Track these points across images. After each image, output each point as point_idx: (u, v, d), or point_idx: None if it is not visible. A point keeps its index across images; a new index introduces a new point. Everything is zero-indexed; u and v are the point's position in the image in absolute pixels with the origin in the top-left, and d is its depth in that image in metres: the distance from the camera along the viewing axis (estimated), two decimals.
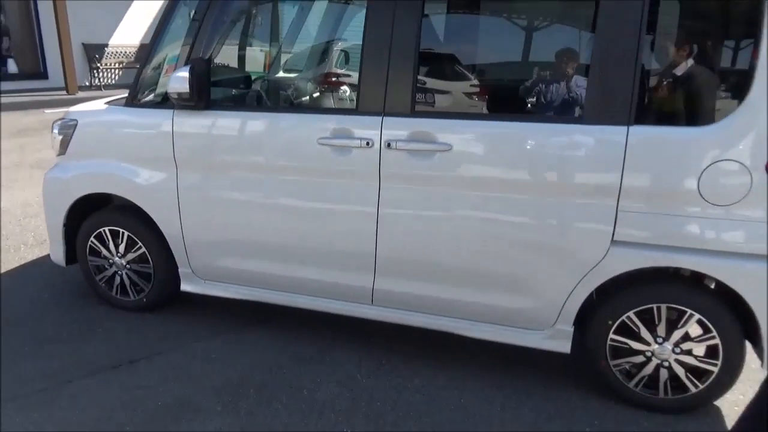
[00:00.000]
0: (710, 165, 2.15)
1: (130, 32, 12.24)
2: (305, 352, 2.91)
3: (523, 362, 2.83)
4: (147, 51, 2.92)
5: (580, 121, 2.30)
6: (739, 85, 2.10)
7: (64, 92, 10.81)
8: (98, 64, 11.84)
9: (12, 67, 11.22)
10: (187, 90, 2.56)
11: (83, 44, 11.61)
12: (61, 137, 3.15)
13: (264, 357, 2.86)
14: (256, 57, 3.01)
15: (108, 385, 2.62)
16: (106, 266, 3.24)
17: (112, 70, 12.16)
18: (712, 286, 2.38)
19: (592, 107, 2.26)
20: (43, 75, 11.42)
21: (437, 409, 2.51)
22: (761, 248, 2.18)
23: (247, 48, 3.14)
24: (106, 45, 12.04)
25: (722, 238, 2.21)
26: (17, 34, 11.38)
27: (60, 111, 3.00)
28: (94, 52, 11.78)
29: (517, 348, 2.64)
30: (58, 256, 3.33)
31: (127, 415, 2.42)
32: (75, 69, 10.80)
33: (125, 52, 12.24)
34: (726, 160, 2.13)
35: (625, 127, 2.20)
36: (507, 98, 2.53)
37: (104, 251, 3.21)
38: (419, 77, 2.58)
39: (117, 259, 3.20)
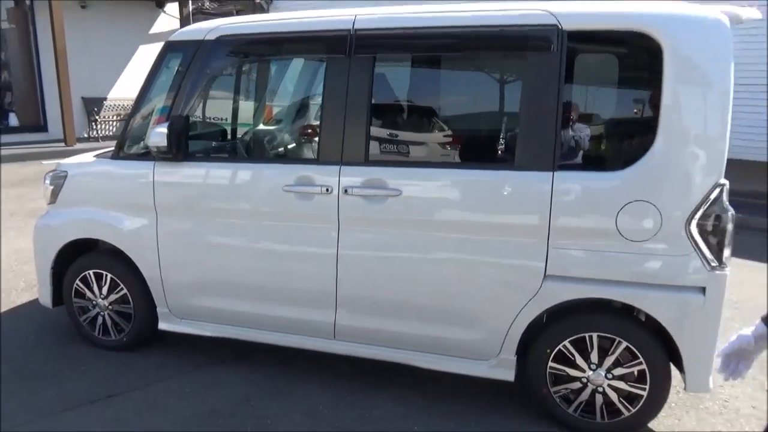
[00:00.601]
0: (625, 205, 2.42)
1: (128, 86, 12.74)
2: (274, 386, 3.10)
3: (475, 391, 3.01)
4: (132, 107, 3.23)
5: (511, 167, 2.57)
6: (645, 134, 2.39)
7: (63, 144, 11.19)
8: (96, 117, 12.28)
9: (13, 120, 11.65)
10: (165, 144, 2.85)
11: (83, 98, 12.07)
12: (52, 187, 3.43)
13: (235, 390, 3.05)
14: (236, 111, 3.31)
15: (85, 418, 2.80)
16: (90, 307, 3.46)
17: (110, 123, 12.59)
18: (642, 317, 2.61)
19: (521, 154, 2.54)
20: (44, 128, 11.84)
21: None
22: (674, 279, 2.42)
23: (231, 102, 3.46)
24: (105, 98, 12.51)
25: (640, 270, 2.46)
26: (20, 89, 11.86)
27: (57, 162, 3.27)
28: (93, 105, 12.24)
29: (470, 378, 2.84)
30: (46, 299, 3.55)
31: None
32: (74, 122, 11.21)
33: (123, 105, 12.70)
34: (638, 200, 2.40)
35: (550, 173, 2.48)
36: (454, 146, 2.82)
37: (88, 293, 3.43)
38: (377, 128, 2.87)
39: (100, 300, 3.42)
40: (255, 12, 13.50)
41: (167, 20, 13.00)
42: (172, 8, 13.17)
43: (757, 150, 8.59)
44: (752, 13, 2.41)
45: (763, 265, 5.23)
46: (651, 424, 2.82)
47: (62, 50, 10.87)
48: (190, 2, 13.23)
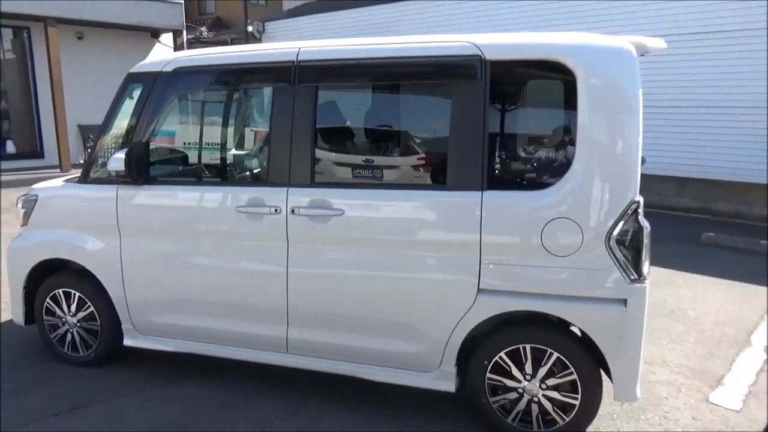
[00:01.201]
0: (549, 222, 2.56)
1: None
2: (230, 399, 3.22)
3: (423, 402, 3.12)
4: (98, 133, 3.42)
5: (444, 187, 2.73)
6: (564, 155, 2.55)
7: (59, 170, 11.42)
8: (92, 144, 12.55)
9: (10, 147, 11.91)
10: (123, 168, 3.02)
11: (78, 125, 12.36)
12: (24, 210, 3.59)
13: (192, 403, 3.17)
14: (193, 136, 3.49)
15: (53, 427, 2.92)
16: (60, 325, 3.60)
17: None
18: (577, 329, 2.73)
19: (452, 175, 2.70)
20: (40, 154, 12.09)
21: None
22: (596, 292, 2.56)
23: (188, 128, 3.64)
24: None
25: (565, 284, 2.59)
26: (17, 117, 12.15)
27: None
28: (89, 132, 12.49)
29: (417, 389, 2.95)
30: (19, 317, 3.70)
31: None
32: (69, 149, 11.46)
33: None
34: (560, 218, 2.55)
35: (479, 192, 2.63)
36: (393, 168, 2.98)
37: (58, 311, 3.57)
38: (322, 151, 3.03)
39: (69, 317, 3.56)
40: (248, 40, 13.86)
41: (162, 50, 13.34)
42: (167, 38, 13.53)
43: None
44: (658, 43, 2.58)
45: (729, 283, 5.34)
46: (589, 430, 2.92)
47: (58, 80, 11.17)
48: (185, 32, 13.58)
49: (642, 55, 2.85)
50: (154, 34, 13.43)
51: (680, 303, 4.77)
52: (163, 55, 3.21)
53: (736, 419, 3.08)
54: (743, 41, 7.56)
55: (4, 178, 10.29)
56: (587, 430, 2.92)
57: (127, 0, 12.24)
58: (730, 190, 7.95)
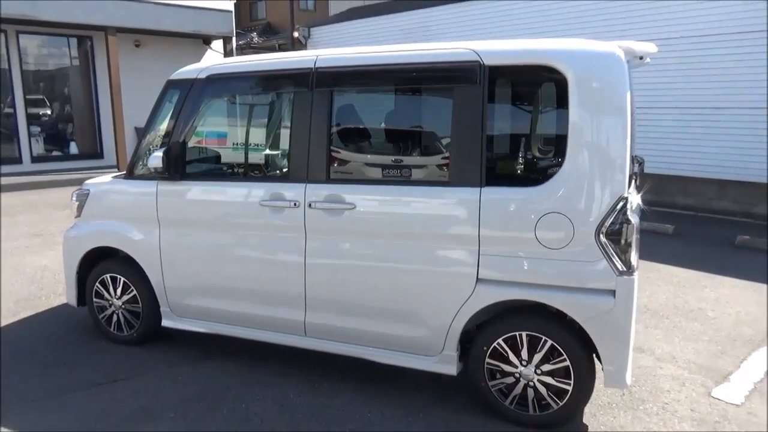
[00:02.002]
0: (542, 216, 2.73)
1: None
2: (254, 377, 3.51)
3: (427, 385, 3.33)
4: (142, 134, 3.79)
5: (447, 184, 2.94)
6: (557, 154, 2.72)
7: (116, 170, 12.19)
8: None
9: (74, 148, 12.80)
10: (161, 165, 3.37)
11: (135, 128, 13.11)
12: (77, 203, 4.02)
13: (219, 380, 3.48)
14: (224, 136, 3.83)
15: (91, 397, 3.29)
16: (107, 306, 3.99)
17: None
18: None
19: (453, 173, 2.91)
20: (100, 155, 12.93)
21: (346, 421, 3.04)
22: (587, 283, 2.71)
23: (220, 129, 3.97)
24: None
25: (558, 275, 2.76)
26: (80, 120, 13.03)
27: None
28: None
29: (423, 373, 3.16)
30: (72, 299, 4.12)
31: (100, 419, 3.07)
32: (126, 149, 12.21)
33: None
34: (553, 212, 2.72)
35: (478, 188, 2.83)
36: (401, 166, 3.21)
37: (105, 294, 3.97)
38: (336, 150, 3.29)
39: (115, 300, 3.95)
40: (294, 46, 14.35)
41: (213, 56, 13.99)
42: (218, 44, 14.18)
43: None
44: (648, 47, 2.71)
45: (757, 286, 5.30)
46: (586, 420, 3.07)
47: (117, 85, 11.93)
48: (234, 39, 14.19)
49: (642, 59, 3.00)
50: (206, 40, 14.11)
51: (701, 304, 4.79)
52: (196, 64, 3.54)
53: (735, 413, 3.15)
54: None
55: (66, 177, 11.07)
56: (585, 417, 3.08)
57: (182, 9, 12.90)
58: None
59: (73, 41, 12.83)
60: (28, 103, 12.09)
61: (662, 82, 8.52)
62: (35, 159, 12.15)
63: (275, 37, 20.87)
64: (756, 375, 3.56)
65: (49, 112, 12.94)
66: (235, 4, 14.08)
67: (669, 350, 3.91)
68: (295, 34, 14.18)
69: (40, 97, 12.82)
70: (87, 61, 12.83)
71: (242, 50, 19.36)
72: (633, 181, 3.39)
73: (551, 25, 9.59)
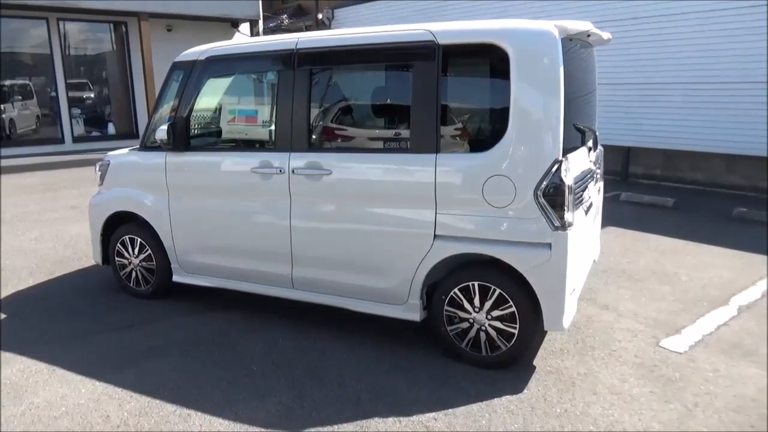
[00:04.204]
0: (488, 179, 3.08)
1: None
2: (247, 325, 3.99)
3: (401, 333, 3.74)
4: (152, 110, 4.27)
5: (408, 151, 3.31)
6: (501, 122, 3.05)
7: None
8: None
9: (111, 129, 13.58)
10: (166, 138, 3.84)
11: None
12: (100, 173, 4.55)
13: (219, 327, 3.97)
14: (221, 111, 4.26)
15: (110, 338, 3.83)
16: (126, 264, 4.53)
17: None
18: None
19: (413, 141, 3.27)
20: (135, 135, 13.64)
21: (325, 360, 3.49)
22: (527, 237, 3.05)
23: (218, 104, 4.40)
24: None
25: (503, 231, 3.11)
26: (117, 102, 13.79)
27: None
28: None
29: (397, 321, 3.56)
30: (98, 258, 4.68)
31: (117, 354, 3.60)
32: None
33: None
34: (497, 175, 3.06)
35: (434, 155, 3.20)
36: (371, 135, 3.60)
37: (125, 253, 4.51)
38: (315, 122, 3.68)
39: (133, 259, 4.48)
40: (319, 27, 14.72)
41: (240, 38, 14.50)
42: (245, 27, 14.68)
43: None
44: (580, 25, 3.00)
45: (739, 253, 5.49)
46: (536, 362, 3.43)
47: (150, 68, 12.57)
48: (260, 22, 14.65)
49: (590, 37, 3.29)
50: (234, 24, 14.63)
51: (678, 269, 5.04)
52: (197, 47, 3.99)
53: (676, 359, 3.45)
54: None
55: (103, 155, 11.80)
56: (536, 360, 3.44)
57: None
58: None
59: (110, 27, 13.54)
60: (69, 87, 12.87)
61: (672, 57, 8.58)
62: (76, 139, 12.97)
63: (303, 18, 21.25)
64: (706, 329, 3.84)
65: (92, 95, 13.75)
66: None
67: (632, 308, 4.21)
68: (319, 16, 14.55)
69: (84, 80, 13.62)
70: (122, 45, 13.53)
71: (273, 32, 19.85)
72: (591, 151, 3.70)
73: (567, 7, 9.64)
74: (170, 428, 2.84)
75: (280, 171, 3.64)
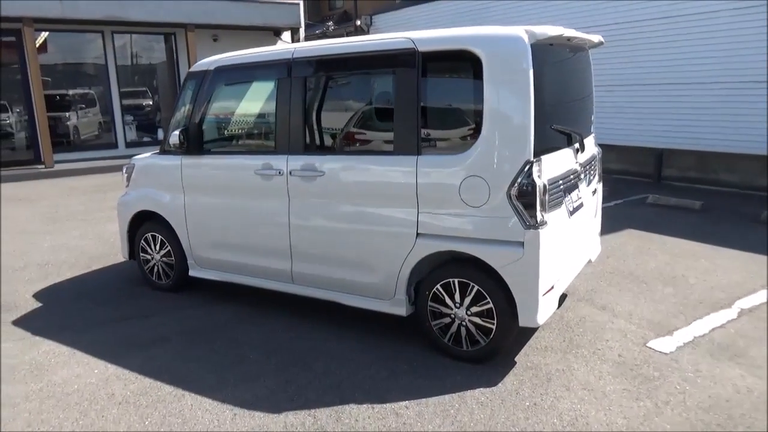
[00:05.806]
0: (464, 179, 3.22)
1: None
2: (250, 317, 4.25)
3: (389, 326, 3.91)
4: (170, 117, 4.61)
5: (391, 153, 3.48)
6: (476, 125, 3.18)
7: None
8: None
9: (161, 135, 14.28)
10: (178, 142, 4.16)
11: None
12: (126, 175, 4.94)
13: (220, 318, 4.25)
14: (231, 117, 4.55)
15: (123, 327, 4.17)
16: (150, 259, 4.89)
17: None
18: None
19: (396, 143, 3.44)
20: None
21: (315, 352, 3.69)
22: (502, 235, 3.17)
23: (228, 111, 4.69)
24: None
25: (478, 229, 3.23)
26: (166, 109, 14.51)
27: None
28: None
29: (387, 316, 3.74)
30: (125, 253, 5.07)
31: (131, 340, 3.94)
32: None
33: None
34: (473, 176, 3.19)
35: (415, 157, 3.36)
36: (360, 139, 3.78)
37: (148, 249, 4.87)
38: (311, 127, 3.89)
39: (155, 254, 4.83)
40: (357, 33, 15.04)
41: (282, 46, 14.99)
42: (287, 36, 15.17)
43: None
44: (552, 30, 3.09)
45: (757, 257, 5.36)
46: (518, 359, 3.52)
47: None
48: (302, 30, 15.10)
49: (570, 41, 3.39)
50: (276, 32, 15.13)
51: (688, 272, 4.97)
52: (208, 58, 4.30)
53: (659, 359, 3.47)
54: None
55: None
56: (518, 356, 3.53)
57: (252, 4, 13.97)
58: None
59: (160, 38, 14.29)
60: (123, 95, 13.68)
61: (706, 56, 8.38)
62: (129, 144, 13.74)
63: (345, 25, 21.69)
64: (699, 331, 3.82)
65: (150, 102, 14.56)
66: None
67: (629, 309, 4.22)
68: (358, 22, 14.86)
69: (136, 89, 14.43)
70: (171, 55, 14.25)
71: (318, 38, 20.36)
72: (579, 152, 3.77)
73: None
74: (164, 407, 3.12)
75: (280, 173, 3.88)
